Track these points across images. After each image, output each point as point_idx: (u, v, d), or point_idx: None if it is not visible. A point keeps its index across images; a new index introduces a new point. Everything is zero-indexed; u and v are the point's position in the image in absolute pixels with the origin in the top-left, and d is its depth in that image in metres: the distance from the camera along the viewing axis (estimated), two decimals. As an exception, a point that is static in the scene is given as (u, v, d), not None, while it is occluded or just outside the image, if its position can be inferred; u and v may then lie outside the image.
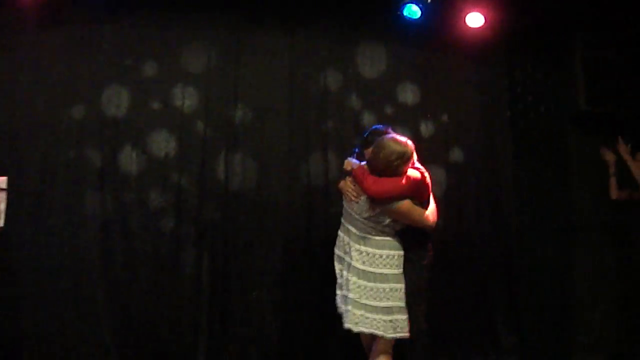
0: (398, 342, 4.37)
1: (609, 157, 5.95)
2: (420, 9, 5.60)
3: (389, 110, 5.84)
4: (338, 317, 4.65)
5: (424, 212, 4.32)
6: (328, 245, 5.29)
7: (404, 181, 4.18)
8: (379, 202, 4.22)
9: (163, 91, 5.35)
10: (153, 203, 5.21)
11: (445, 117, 6.04)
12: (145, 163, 5.23)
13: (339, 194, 4.80)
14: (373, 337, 4.35)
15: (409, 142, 4.28)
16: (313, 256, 5.41)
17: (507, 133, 6.26)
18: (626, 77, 6.28)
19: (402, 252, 4.37)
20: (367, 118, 5.73)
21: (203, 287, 5.23)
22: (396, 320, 4.26)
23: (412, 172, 4.25)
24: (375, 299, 4.25)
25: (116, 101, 5.22)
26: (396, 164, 4.15)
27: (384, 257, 4.30)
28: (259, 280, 5.37)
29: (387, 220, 4.29)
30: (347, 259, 4.42)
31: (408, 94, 5.94)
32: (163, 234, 5.22)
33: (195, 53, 5.44)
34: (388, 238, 4.35)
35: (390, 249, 4.34)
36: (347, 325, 4.30)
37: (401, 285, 4.32)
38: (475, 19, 5.86)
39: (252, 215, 5.41)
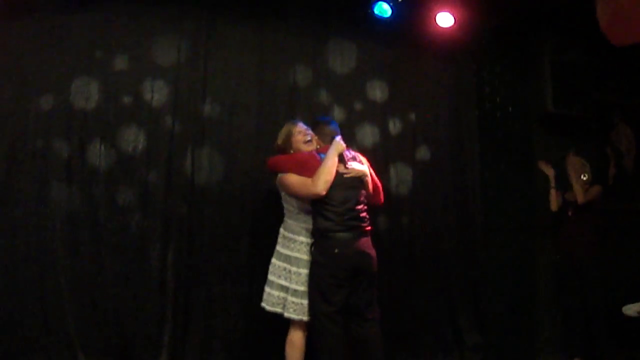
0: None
1: (549, 171, 6.12)
2: (391, 7, 5.73)
3: (358, 106, 5.99)
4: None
5: (307, 181, 4.48)
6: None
7: (288, 156, 4.69)
8: (272, 173, 4.76)
9: (133, 84, 5.36)
10: (120, 196, 5.21)
11: (413, 116, 6.13)
12: (113, 156, 5.23)
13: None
14: None
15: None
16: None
17: (474, 132, 6.42)
18: (592, 80, 6.41)
19: (309, 240, 4.61)
20: (337, 114, 5.83)
21: (168, 280, 5.24)
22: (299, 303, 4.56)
23: (300, 152, 4.69)
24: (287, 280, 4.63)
25: (85, 93, 5.21)
26: (281, 144, 4.81)
27: (298, 242, 4.65)
28: (224, 275, 5.41)
29: (283, 194, 4.70)
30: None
31: (377, 91, 6.08)
32: (129, 227, 5.21)
33: (165, 46, 5.48)
34: (293, 222, 4.70)
35: (297, 234, 4.66)
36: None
37: (306, 271, 4.56)
38: (445, 19, 6.00)
39: (218, 209, 5.46)
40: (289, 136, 4.76)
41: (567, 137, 6.64)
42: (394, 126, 6.08)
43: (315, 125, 4.92)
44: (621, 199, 6.95)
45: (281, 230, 4.74)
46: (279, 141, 4.81)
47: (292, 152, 4.74)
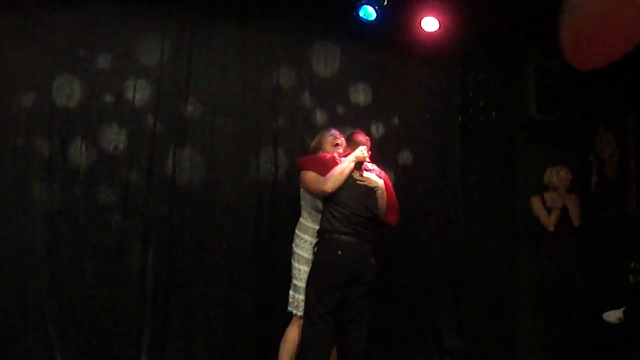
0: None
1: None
2: (376, 10, 5.69)
3: (340, 110, 6.01)
4: (284, 315, 4.79)
5: (320, 178, 4.67)
6: (275, 242, 5.39)
7: (313, 156, 4.95)
8: (297, 170, 4.98)
9: (115, 83, 5.35)
10: (100, 196, 5.19)
11: (396, 120, 6.15)
12: (94, 156, 5.21)
13: (288, 192, 5.02)
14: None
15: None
16: (260, 252, 5.51)
17: (457, 137, 6.44)
18: (576, 87, 6.45)
19: (313, 240, 4.75)
20: (319, 117, 5.85)
21: (148, 281, 5.23)
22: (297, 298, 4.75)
23: (324, 153, 4.91)
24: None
25: (67, 91, 5.20)
26: (313, 146, 5.15)
27: (302, 239, 4.82)
28: (204, 276, 5.40)
29: (301, 191, 4.89)
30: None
31: (360, 95, 6.10)
32: (109, 227, 5.20)
33: (148, 46, 5.47)
34: (304, 221, 4.88)
35: (304, 232, 4.81)
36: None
37: (306, 268, 4.70)
38: (430, 23, 5.98)
39: (199, 210, 5.46)
40: (320, 138, 5.12)
41: (550, 143, 6.69)
42: (377, 130, 6.10)
43: (349, 135, 5.15)
44: (603, 206, 7.00)
45: (296, 229, 4.91)
46: (313, 144, 5.18)
47: (320, 152, 4.99)
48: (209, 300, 5.39)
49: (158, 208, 5.33)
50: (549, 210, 6.05)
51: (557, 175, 6.07)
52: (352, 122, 5.95)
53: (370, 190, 4.77)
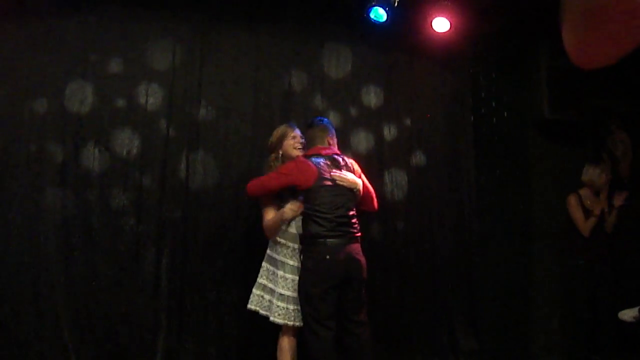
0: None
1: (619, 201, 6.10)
2: (387, 12, 5.68)
3: (353, 111, 6.00)
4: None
5: (268, 225, 4.69)
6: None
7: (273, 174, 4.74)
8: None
9: (127, 88, 5.38)
10: (114, 201, 5.22)
11: (408, 121, 6.14)
12: (107, 160, 5.23)
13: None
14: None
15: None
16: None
17: (469, 138, 6.41)
18: (589, 86, 6.42)
19: (296, 246, 4.66)
20: (332, 119, 5.80)
21: (162, 285, 5.25)
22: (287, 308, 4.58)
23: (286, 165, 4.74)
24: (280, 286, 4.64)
25: (80, 96, 5.22)
26: (273, 143, 4.93)
27: (282, 245, 4.69)
28: (219, 280, 5.41)
29: None
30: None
31: (372, 96, 6.09)
32: (123, 232, 5.22)
33: (160, 50, 5.49)
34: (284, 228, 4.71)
35: (283, 237, 4.69)
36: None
37: (293, 276, 4.60)
38: (441, 24, 5.97)
39: (212, 214, 5.47)
40: (282, 137, 4.87)
41: (563, 142, 6.67)
42: (389, 131, 6.09)
43: (306, 127, 5.04)
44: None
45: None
46: (273, 139, 4.91)
47: (280, 152, 4.84)
48: (224, 304, 5.39)
49: (172, 212, 5.35)
50: (584, 210, 6.01)
51: (599, 177, 6.02)
52: (364, 123, 5.96)
53: (349, 191, 4.67)
